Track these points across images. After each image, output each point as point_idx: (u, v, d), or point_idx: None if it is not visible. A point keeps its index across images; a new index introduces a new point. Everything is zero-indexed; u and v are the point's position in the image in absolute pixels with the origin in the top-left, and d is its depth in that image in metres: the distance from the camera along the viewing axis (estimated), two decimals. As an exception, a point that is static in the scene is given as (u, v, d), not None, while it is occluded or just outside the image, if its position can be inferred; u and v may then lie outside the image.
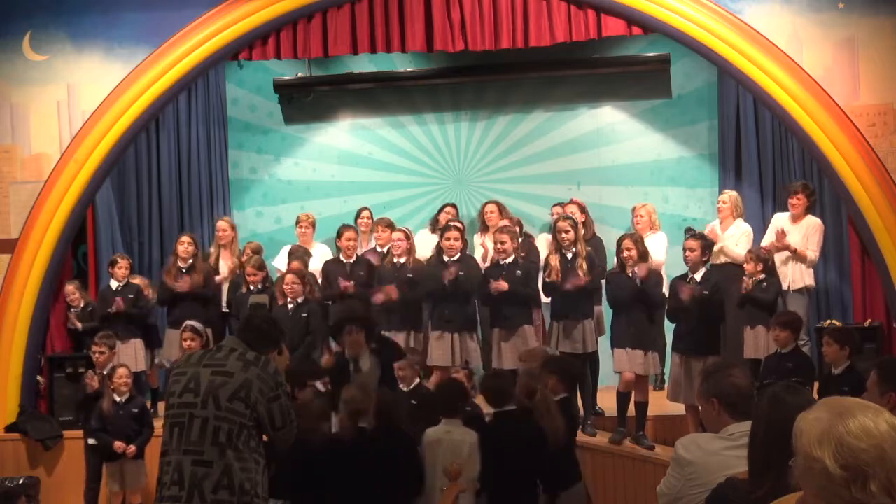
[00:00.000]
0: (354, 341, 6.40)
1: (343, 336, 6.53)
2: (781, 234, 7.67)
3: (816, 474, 1.85)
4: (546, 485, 5.28)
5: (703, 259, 7.14)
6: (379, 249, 8.36)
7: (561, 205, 8.80)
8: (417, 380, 6.56)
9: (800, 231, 7.79)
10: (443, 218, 8.81)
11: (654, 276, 7.43)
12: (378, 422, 5.03)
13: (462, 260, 7.71)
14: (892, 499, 1.79)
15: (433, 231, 8.76)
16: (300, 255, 8.35)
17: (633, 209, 8.68)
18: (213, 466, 3.72)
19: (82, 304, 8.26)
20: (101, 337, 7.34)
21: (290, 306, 7.59)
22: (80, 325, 8.15)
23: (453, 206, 9.13)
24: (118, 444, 6.78)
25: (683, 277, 7.17)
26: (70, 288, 8.27)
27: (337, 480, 4.84)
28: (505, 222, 8.28)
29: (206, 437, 3.73)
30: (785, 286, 7.66)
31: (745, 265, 7.43)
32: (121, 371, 6.92)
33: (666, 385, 7.69)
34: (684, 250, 7.23)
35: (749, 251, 7.55)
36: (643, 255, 7.32)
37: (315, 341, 7.62)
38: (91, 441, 6.95)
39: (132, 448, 6.81)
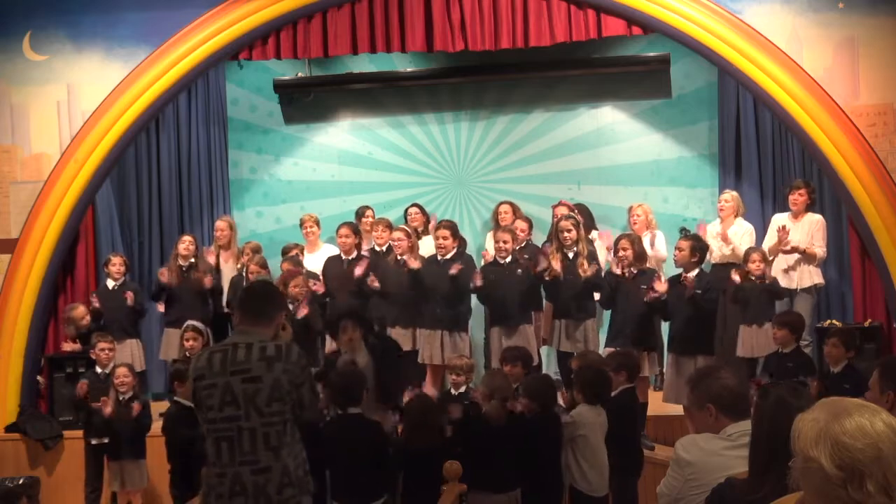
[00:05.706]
0: (350, 338, 6.38)
1: (338, 332, 6.51)
2: (784, 232, 7.60)
3: (814, 474, 1.86)
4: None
5: (693, 259, 7.09)
6: (378, 249, 8.36)
7: (560, 204, 8.80)
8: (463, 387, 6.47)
9: (802, 229, 7.76)
10: (409, 219, 8.83)
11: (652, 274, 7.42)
12: (532, 406, 5.40)
13: (457, 258, 7.74)
14: (889, 498, 1.79)
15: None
16: (293, 255, 8.36)
17: (630, 209, 8.67)
18: (272, 471, 3.82)
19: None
20: (102, 335, 7.35)
21: (290, 306, 7.58)
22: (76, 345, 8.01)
23: (416, 205, 9.05)
24: None
25: (677, 277, 7.16)
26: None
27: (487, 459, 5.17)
28: (521, 223, 8.35)
29: (257, 445, 3.81)
30: (794, 285, 7.65)
31: (749, 264, 7.31)
32: (119, 370, 6.90)
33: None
34: (675, 249, 7.24)
35: (756, 250, 7.44)
36: (640, 256, 7.31)
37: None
38: (94, 441, 6.94)
39: None
